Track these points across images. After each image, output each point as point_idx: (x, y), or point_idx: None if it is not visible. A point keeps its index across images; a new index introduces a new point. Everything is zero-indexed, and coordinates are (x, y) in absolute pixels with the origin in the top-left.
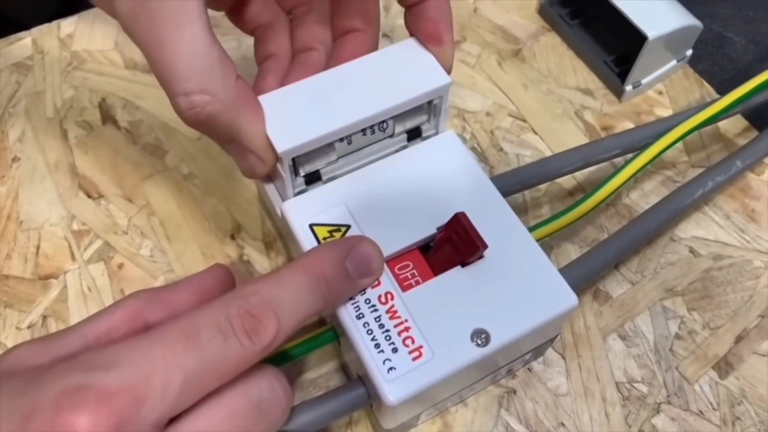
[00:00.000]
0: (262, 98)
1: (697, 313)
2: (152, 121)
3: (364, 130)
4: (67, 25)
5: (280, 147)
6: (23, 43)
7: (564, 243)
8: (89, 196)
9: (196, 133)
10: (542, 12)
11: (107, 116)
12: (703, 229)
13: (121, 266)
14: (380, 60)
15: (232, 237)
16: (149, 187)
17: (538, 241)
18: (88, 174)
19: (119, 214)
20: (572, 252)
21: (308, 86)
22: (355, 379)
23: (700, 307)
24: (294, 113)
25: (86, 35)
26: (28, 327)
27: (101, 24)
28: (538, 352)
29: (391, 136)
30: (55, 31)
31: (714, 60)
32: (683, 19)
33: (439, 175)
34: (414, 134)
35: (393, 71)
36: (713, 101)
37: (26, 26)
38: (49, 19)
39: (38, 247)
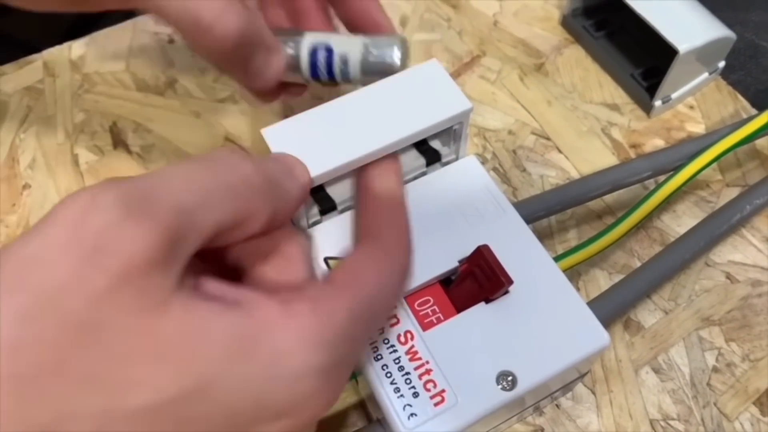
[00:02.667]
0: (277, 127)
1: (736, 344)
2: (164, 145)
3: None
4: (79, 46)
5: None
6: (34, 66)
7: (592, 269)
8: None
9: None
10: (565, 23)
11: (118, 140)
12: (741, 253)
13: None
14: (399, 84)
15: None
16: None
17: (565, 270)
18: None
19: None
20: (600, 278)
21: (325, 113)
22: (375, 422)
23: (739, 337)
24: (310, 142)
25: (98, 57)
26: None
27: (112, 45)
28: (567, 388)
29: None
30: (66, 53)
31: (747, 70)
32: (715, 30)
33: (460, 203)
34: (433, 159)
35: (412, 96)
36: (750, 118)
37: (37, 48)
38: (60, 41)
39: None
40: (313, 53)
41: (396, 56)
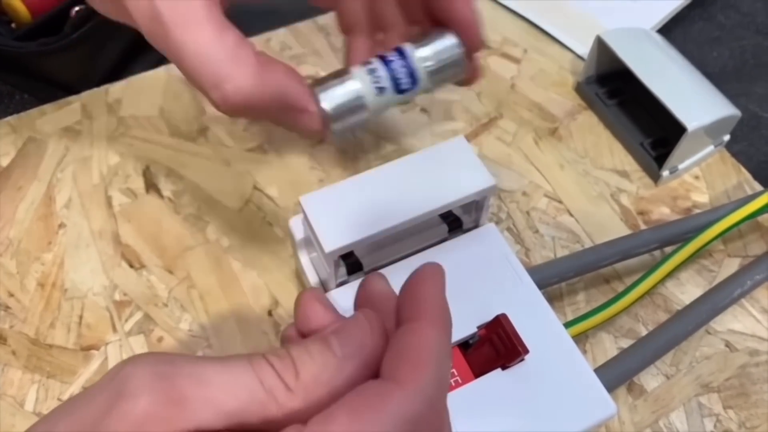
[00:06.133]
0: (313, 195)
1: (733, 411)
2: (195, 191)
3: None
4: (115, 90)
5: (328, 247)
6: (72, 107)
7: (599, 332)
8: (131, 266)
9: (237, 205)
10: (579, 90)
11: (150, 184)
12: (740, 322)
13: (160, 339)
14: (427, 159)
15: (270, 313)
16: (190, 259)
17: (575, 336)
18: (131, 243)
19: (160, 285)
20: (606, 342)
21: (358, 184)
22: None
23: (737, 405)
24: (341, 212)
25: (133, 101)
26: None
27: (148, 90)
28: None
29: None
30: (104, 96)
31: (750, 141)
32: (723, 108)
33: (479, 270)
34: (455, 227)
35: (440, 171)
36: (754, 196)
37: (76, 90)
38: (98, 84)
39: (81, 317)
40: (373, 72)
41: (457, 53)
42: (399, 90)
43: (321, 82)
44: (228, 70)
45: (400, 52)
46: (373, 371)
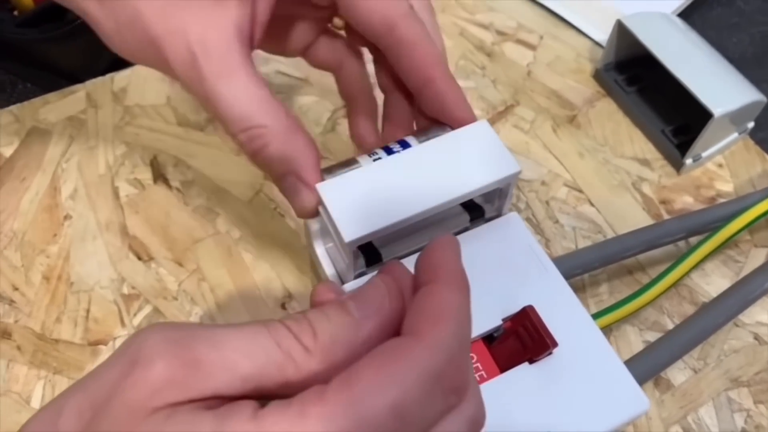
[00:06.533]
0: (331, 182)
1: (765, 406)
2: (204, 182)
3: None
4: (121, 78)
5: (348, 236)
6: (77, 96)
7: (623, 325)
8: (139, 258)
9: (247, 196)
10: (597, 77)
11: (158, 174)
12: None
13: None
14: (449, 144)
15: (283, 306)
16: (200, 251)
17: (601, 329)
18: (139, 235)
19: (169, 278)
20: (631, 334)
21: (377, 171)
22: None
23: (767, 399)
24: (361, 200)
25: (139, 90)
26: None
27: (154, 78)
28: None
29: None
30: (109, 85)
31: None
32: (748, 93)
33: (503, 260)
34: (477, 215)
35: (462, 157)
36: None
37: (80, 79)
38: (103, 72)
39: (88, 311)
40: None
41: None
42: None
43: (330, 170)
44: (262, 117)
45: (404, 145)
46: (391, 334)
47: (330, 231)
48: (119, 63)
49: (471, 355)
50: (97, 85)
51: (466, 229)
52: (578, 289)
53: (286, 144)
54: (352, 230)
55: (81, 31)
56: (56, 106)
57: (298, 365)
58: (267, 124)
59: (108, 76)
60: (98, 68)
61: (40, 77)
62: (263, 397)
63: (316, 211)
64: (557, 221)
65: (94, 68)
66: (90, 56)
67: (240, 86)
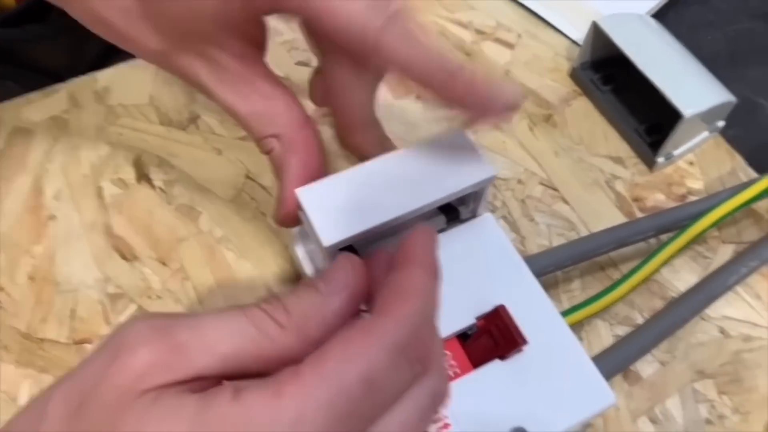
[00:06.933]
0: (310, 187)
1: (728, 396)
2: (186, 181)
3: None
4: (104, 77)
5: (327, 241)
6: (59, 95)
7: (594, 320)
8: (124, 258)
9: (230, 195)
10: (574, 76)
11: (142, 174)
12: (734, 308)
13: None
14: (427, 150)
15: None
16: (183, 250)
17: (572, 325)
18: (123, 235)
19: (153, 277)
20: (602, 329)
21: (356, 176)
22: None
23: (731, 390)
24: (339, 205)
25: (122, 89)
26: None
27: (136, 77)
28: None
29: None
30: (91, 84)
31: (744, 126)
32: (719, 95)
33: (477, 260)
34: (453, 217)
35: (439, 161)
36: (749, 183)
37: (63, 78)
38: (85, 71)
39: (73, 311)
40: None
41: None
42: None
43: None
44: (277, 126)
45: None
46: (359, 305)
47: (309, 234)
48: (102, 62)
49: (446, 352)
50: (79, 84)
51: (442, 230)
52: (551, 285)
53: (291, 149)
54: (331, 235)
55: (64, 30)
56: (39, 106)
57: (274, 341)
58: (280, 132)
59: (90, 75)
60: (81, 67)
61: (23, 77)
62: (245, 376)
63: (288, 223)
64: (533, 219)
65: (77, 67)
66: (73, 55)
67: (257, 97)
